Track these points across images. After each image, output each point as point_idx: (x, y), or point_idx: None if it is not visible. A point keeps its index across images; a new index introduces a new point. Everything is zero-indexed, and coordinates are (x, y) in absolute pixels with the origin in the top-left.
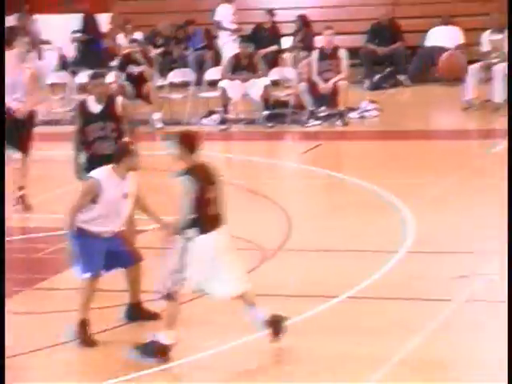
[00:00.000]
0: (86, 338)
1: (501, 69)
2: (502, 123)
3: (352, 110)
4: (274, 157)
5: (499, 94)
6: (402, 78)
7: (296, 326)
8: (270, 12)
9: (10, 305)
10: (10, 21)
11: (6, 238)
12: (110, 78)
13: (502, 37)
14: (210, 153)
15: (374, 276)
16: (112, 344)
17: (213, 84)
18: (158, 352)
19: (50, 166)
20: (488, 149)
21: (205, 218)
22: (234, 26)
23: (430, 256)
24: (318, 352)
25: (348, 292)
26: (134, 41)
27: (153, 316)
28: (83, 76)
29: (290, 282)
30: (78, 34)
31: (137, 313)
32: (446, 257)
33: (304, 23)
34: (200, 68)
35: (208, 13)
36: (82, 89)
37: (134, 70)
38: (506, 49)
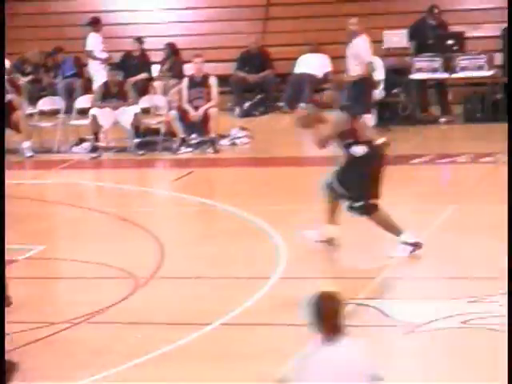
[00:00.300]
0: None
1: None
2: None
3: (223, 137)
4: (145, 184)
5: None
6: (280, 104)
7: (169, 355)
8: (139, 40)
9: None
10: None
11: None
12: None
13: None
14: (81, 181)
15: (246, 302)
16: None
17: (83, 112)
18: None
19: None
20: None
21: None
22: (105, 55)
23: (302, 281)
24: (192, 380)
25: (221, 319)
26: None
27: None
28: None
29: (163, 309)
30: None
31: None
32: (318, 282)
33: (172, 51)
34: (70, 96)
35: (77, 40)
36: None
37: None
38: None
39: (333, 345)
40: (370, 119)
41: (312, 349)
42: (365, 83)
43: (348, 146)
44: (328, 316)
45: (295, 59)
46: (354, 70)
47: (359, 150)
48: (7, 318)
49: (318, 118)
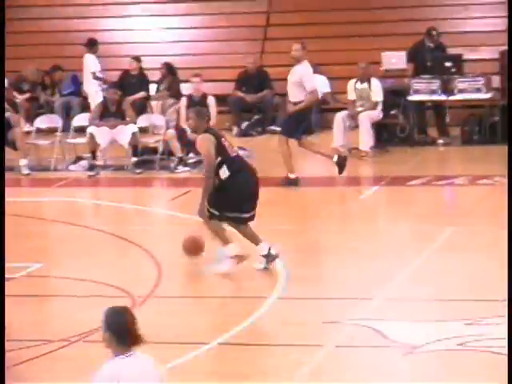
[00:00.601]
0: None
1: (366, 117)
2: (368, 170)
3: None
4: (142, 203)
5: (365, 141)
6: (273, 127)
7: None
8: (137, 59)
9: None
10: None
11: None
12: None
13: (367, 86)
14: (78, 199)
15: (244, 322)
16: None
17: (81, 130)
18: None
19: None
20: (360, 195)
21: None
22: (102, 75)
23: (301, 302)
24: None
25: (219, 338)
26: None
27: None
28: None
29: (160, 329)
30: None
31: None
32: (317, 302)
33: (169, 70)
34: (67, 114)
35: (75, 59)
36: None
37: None
38: (371, 97)
39: (132, 357)
40: (310, 141)
41: (114, 363)
42: (307, 112)
43: (217, 168)
44: (128, 329)
45: None
46: (296, 96)
47: (224, 173)
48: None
49: (202, 244)
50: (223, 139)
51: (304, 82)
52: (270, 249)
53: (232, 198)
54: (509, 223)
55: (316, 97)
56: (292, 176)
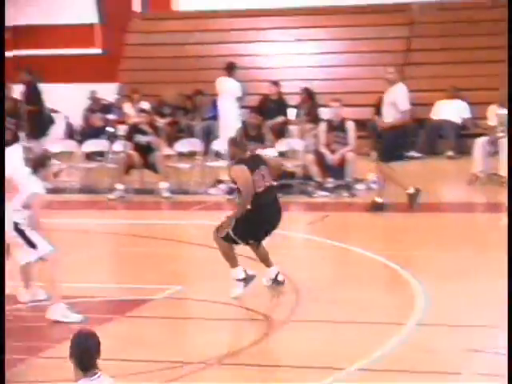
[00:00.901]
0: None
1: (507, 143)
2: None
3: (359, 181)
4: (280, 227)
5: (505, 167)
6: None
7: None
8: (276, 83)
9: (13, 375)
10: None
11: (13, 306)
12: (118, 147)
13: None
14: (217, 222)
15: (383, 348)
16: None
17: (220, 154)
18: None
19: (55, 235)
20: (499, 221)
21: None
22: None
23: (439, 328)
24: None
25: (357, 363)
26: (142, 110)
27: None
28: (89, 145)
29: (297, 353)
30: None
31: None
32: (456, 330)
33: (309, 96)
34: (207, 138)
35: (214, 84)
36: (88, 157)
37: (142, 139)
38: None
39: (101, 377)
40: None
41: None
42: (396, 132)
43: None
44: (96, 352)
45: (433, 105)
46: (390, 116)
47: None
48: (141, 356)
49: None
50: (257, 171)
51: (398, 104)
52: (278, 274)
53: (252, 228)
54: (509, 228)
55: (407, 118)
56: (410, 191)
